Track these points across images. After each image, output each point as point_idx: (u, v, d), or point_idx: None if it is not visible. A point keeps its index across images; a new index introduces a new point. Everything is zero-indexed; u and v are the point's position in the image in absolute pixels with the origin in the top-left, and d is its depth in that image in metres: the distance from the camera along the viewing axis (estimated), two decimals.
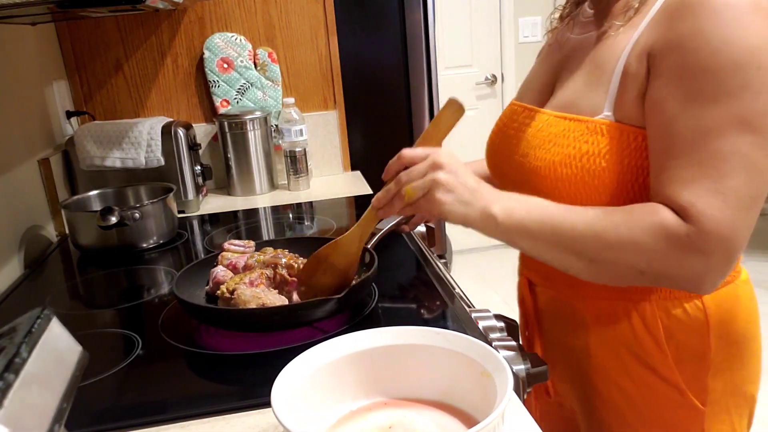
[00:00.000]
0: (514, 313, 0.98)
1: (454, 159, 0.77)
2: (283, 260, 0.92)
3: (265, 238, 1.35)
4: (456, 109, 0.80)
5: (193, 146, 1.58)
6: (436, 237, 2.05)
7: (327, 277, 0.89)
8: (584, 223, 0.71)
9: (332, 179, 1.80)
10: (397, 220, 1.09)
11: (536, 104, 0.88)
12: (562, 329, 0.89)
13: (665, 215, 0.67)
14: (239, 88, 1.73)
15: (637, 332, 0.81)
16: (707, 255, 0.66)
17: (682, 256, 0.67)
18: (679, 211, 0.67)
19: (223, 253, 0.98)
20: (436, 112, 2.06)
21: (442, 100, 2.14)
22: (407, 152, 0.79)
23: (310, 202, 1.57)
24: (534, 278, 0.94)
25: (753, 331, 0.84)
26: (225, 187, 1.74)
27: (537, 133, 0.83)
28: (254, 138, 1.65)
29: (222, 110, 1.72)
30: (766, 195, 0.69)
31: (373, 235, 1.05)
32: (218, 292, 0.88)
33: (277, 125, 1.75)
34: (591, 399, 0.87)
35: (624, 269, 0.71)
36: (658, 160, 0.71)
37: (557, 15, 0.96)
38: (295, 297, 0.89)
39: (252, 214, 1.52)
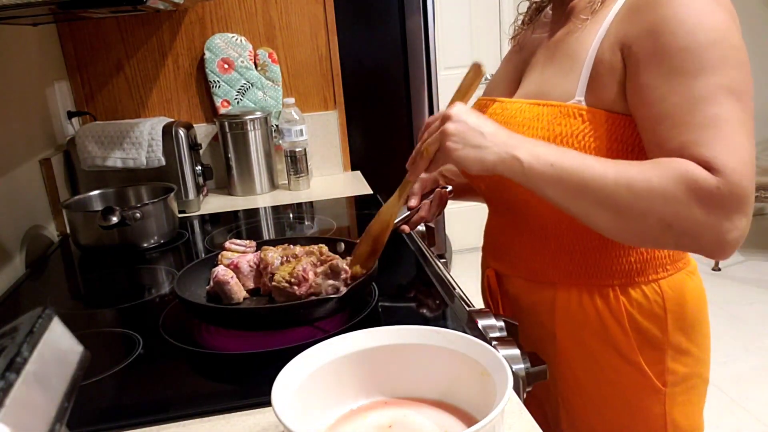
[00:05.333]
0: None
1: (466, 110, 0.80)
2: (297, 250, 0.93)
3: (266, 237, 1.35)
4: (475, 71, 0.85)
5: (193, 146, 1.59)
6: (436, 237, 2.05)
7: (364, 245, 0.93)
8: (615, 171, 0.71)
9: (332, 179, 1.80)
10: (398, 219, 1.09)
11: (504, 97, 0.93)
12: (529, 319, 0.92)
13: (694, 167, 0.69)
14: (240, 89, 1.73)
15: (602, 316, 0.85)
16: (732, 211, 0.68)
17: (708, 211, 0.68)
18: (704, 166, 0.68)
19: (224, 253, 0.98)
20: (435, 113, 2.07)
21: (442, 99, 2.15)
22: (430, 117, 0.85)
23: (311, 202, 1.57)
24: (502, 269, 0.97)
25: (703, 315, 0.89)
26: (225, 187, 1.74)
27: (510, 119, 0.86)
28: (255, 138, 1.65)
29: (222, 110, 1.72)
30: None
31: None
32: (273, 282, 0.88)
33: (277, 125, 1.75)
34: (558, 385, 0.91)
35: (651, 223, 0.71)
36: (660, 135, 0.73)
37: (519, 21, 1.02)
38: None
39: (252, 213, 1.52)
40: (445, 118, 0.79)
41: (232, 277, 0.90)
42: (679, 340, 0.86)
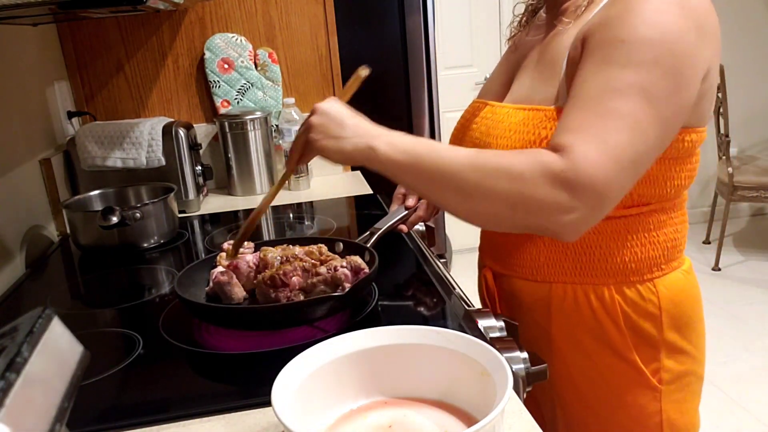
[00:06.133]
0: None
1: (332, 103, 0.85)
2: (297, 250, 0.93)
3: (266, 237, 1.35)
4: (358, 74, 0.92)
5: (193, 146, 1.59)
6: (436, 237, 2.05)
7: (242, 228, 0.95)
8: (466, 155, 0.74)
9: (332, 179, 1.80)
10: (396, 219, 1.10)
11: (496, 101, 0.94)
12: (525, 318, 0.92)
13: (545, 153, 0.71)
14: (240, 89, 1.73)
15: (597, 315, 0.86)
16: (576, 194, 0.69)
17: (554, 190, 0.69)
18: (561, 150, 0.70)
19: (222, 254, 0.98)
20: (436, 113, 2.07)
21: (442, 99, 2.15)
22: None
23: (311, 202, 1.57)
24: (498, 268, 0.97)
25: (698, 314, 0.90)
26: (225, 187, 1.74)
27: (498, 124, 0.87)
28: (255, 138, 1.65)
29: (222, 110, 1.72)
30: (646, 167, 0.74)
31: (372, 234, 1.06)
32: (255, 281, 0.89)
33: (277, 125, 1.75)
34: (554, 384, 0.91)
35: (498, 204, 0.72)
36: (564, 112, 0.74)
37: (516, 23, 1.02)
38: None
39: None
40: (312, 113, 0.85)
41: (231, 278, 0.90)
42: (674, 339, 0.86)
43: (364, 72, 0.90)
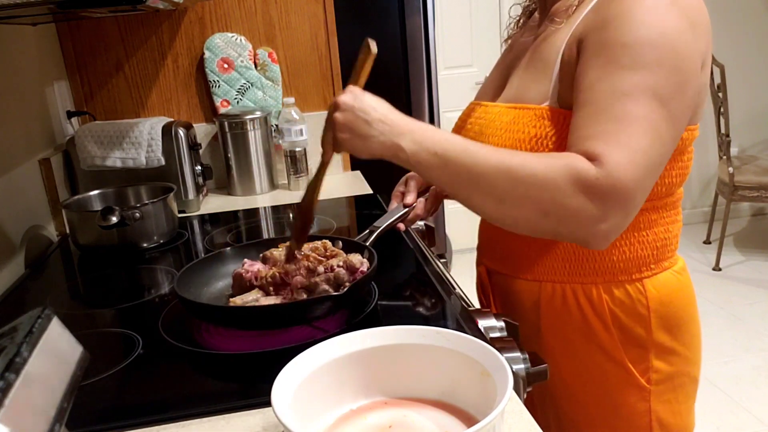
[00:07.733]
0: None
1: (354, 96, 0.79)
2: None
3: (266, 237, 1.35)
4: (366, 50, 0.82)
5: (193, 146, 1.59)
6: (435, 236, 2.05)
7: (298, 221, 0.93)
8: (498, 158, 0.73)
9: (332, 179, 1.80)
10: (394, 218, 1.10)
11: (491, 101, 0.95)
12: (516, 315, 0.93)
13: (578, 159, 0.70)
14: (239, 88, 1.73)
15: (585, 314, 0.86)
16: (609, 203, 0.69)
17: (586, 199, 0.69)
18: (592, 158, 0.70)
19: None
20: (436, 113, 2.07)
21: (442, 99, 2.15)
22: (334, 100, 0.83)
23: None
24: (491, 265, 0.98)
25: (691, 314, 0.89)
26: (225, 187, 1.74)
27: (490, 123, 0.88)
28: (254, 138, 1.65)
29: (222, 110, 1.72)
30: (663, 167, 0.74)
31: (371, 233, 1.06)
32: (259, 280, 0.89)
33: (277, 125, 1.75)
34: (544, 381, 0.90)
35: (529, 210, 0.72)
36: (576, 121, 0.74)
37: (513, 24, 1.03)
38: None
39: (252, 213, 1.52)
40: (335, 107, 0.79)
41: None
42: (663, 340, 0.86)
43: (374, 48, 0.81)
